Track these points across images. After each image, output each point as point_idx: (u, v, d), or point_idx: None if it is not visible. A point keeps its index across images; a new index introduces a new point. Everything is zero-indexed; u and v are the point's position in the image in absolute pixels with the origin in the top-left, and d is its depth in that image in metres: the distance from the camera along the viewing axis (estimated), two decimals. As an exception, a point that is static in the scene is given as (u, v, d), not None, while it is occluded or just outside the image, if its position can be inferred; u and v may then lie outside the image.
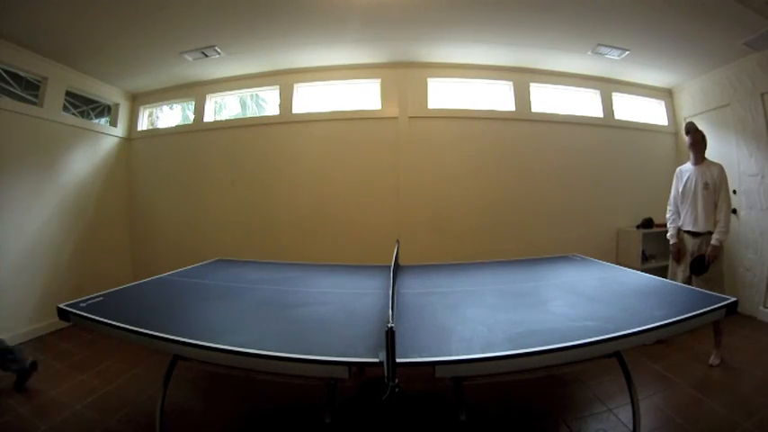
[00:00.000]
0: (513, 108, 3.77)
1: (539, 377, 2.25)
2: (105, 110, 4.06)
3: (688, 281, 2.53)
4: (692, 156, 2.63)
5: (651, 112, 4.13)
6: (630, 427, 1.66)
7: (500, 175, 3.70)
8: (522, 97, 3.77)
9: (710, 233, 2.46)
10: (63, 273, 3.36)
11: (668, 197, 2.80)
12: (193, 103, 4.06)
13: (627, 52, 3.28)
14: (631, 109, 4.07)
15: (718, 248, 2.42)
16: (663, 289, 1.88)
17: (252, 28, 2.94)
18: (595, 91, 3.92)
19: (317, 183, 3.70)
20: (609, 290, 1.91)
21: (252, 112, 4.35)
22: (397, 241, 2.71)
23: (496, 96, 3.87)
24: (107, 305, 1.71)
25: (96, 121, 3.97)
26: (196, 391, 2.22)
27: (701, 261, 2.46)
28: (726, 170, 2.55)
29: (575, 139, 3.81)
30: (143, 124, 4.25)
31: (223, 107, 4.31)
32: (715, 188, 2.47)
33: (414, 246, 3.24)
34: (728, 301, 1.47)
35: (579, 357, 1.24)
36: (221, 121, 4.11)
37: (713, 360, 2.41)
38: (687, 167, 2.68)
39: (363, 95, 3.85)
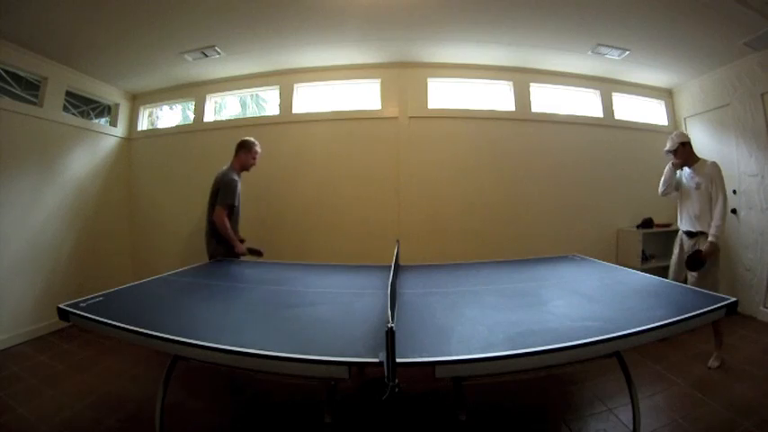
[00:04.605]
0: (513, 108, 3.77)
1: (539, 377, 2.26)
2: (105, 110, 4.06)
3: (684, 279, 2.54)
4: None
5: (651, 112, 4.13)
6: (630, 427, 1.65)
7: (500, 176, 3.70)
8: (522, 97, 3.77)
9: (705, 233, 2.47)
10: (63, 273, 3.36)
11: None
12: (193, 103, 4.06)
13: (627, 52, 3.28)
14: (631, 109, 4.07)
15: (715, 245, 2.40)
16: (663, 289, 1.87)
17: (252, 28, 2.94)
18: (595, 91, 3.92)
19: (318, 183, 3.70)
20: (609, 290, 1.91)
21: (252, 112, 4.36)
22: (398, 241, 2.71)
23: (496, 96, 3.87)
24: (107, 305, 1.71)
25: (96, 121, 3.97)
26: (196, 391, 2.22)
27: (697, 257, 2.44)
28: (725, 170, 2.55)
29: (575, 138, 3.81)
30: (143, 124, 4.25)
31: (223, 107, 4.31)
32: (707, 187, 2.48)
33: (414, 246, 3.24)
34: (728, 301, 1.47)
35: (579, 357, 1.24)
36: (221, 120, 4.11)
37: (712, 362, 2.39)
38: (685, 169, 2.68)
39: (363, 95, 3.85)
